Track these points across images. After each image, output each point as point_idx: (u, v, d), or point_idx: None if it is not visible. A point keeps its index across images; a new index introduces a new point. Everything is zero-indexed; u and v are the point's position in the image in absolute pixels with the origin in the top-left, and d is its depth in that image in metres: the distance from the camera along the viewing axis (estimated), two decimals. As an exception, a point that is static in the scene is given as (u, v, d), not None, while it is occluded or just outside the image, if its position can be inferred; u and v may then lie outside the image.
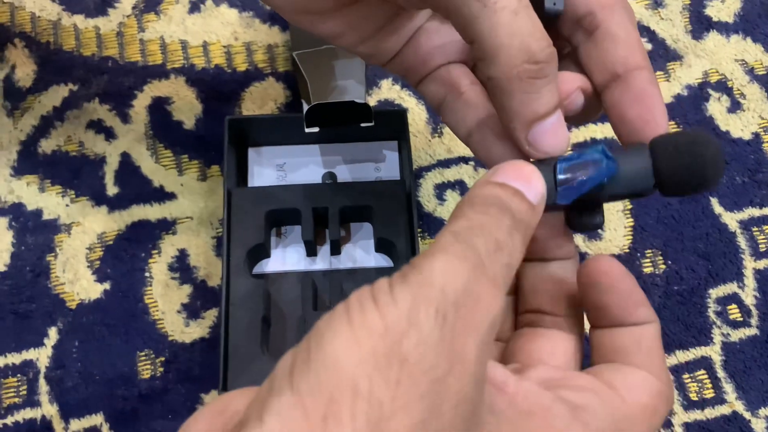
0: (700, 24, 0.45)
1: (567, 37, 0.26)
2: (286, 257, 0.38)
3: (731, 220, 0.40)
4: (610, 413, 0.21)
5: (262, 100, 0.43)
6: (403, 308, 0.17)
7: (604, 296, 0.23)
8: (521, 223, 0.20)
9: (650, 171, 0.23)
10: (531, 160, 0.24)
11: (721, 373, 0.37)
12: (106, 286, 0.38)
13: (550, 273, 0.25)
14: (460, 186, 0.41)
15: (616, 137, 0.26)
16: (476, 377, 0.18)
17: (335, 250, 0.38)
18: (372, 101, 0.43)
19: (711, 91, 0.43)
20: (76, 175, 0.41)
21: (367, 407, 0.16)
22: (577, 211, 0.24)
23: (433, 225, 0.40)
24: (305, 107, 0.37)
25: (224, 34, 0.44)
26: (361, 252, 0.38)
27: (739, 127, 0.43)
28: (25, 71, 0.43)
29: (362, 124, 0.37)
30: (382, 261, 0.38)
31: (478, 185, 0.21)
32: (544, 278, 0.25)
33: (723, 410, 0.36)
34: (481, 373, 0.18)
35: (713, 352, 0.38)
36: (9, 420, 0.36)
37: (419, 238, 0.37)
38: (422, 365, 0.17)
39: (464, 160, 0.41)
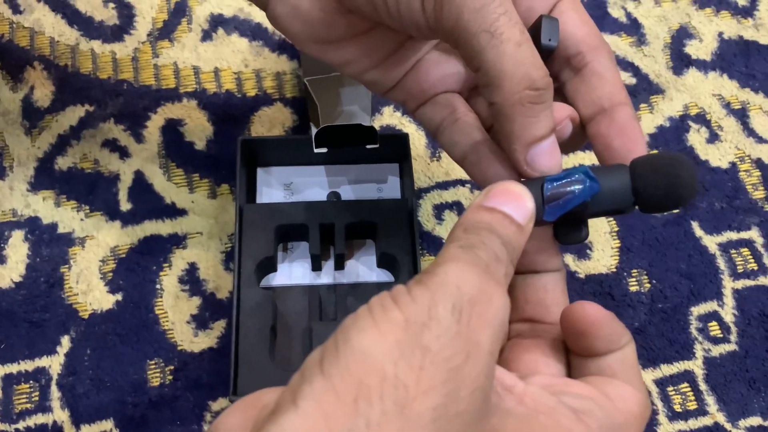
0: (681, 61, 0.48)
1: (555, 73, 0.29)
2: (292, 271, 0.40)
3: (711, 242, 0.43)
4: (609, 419, 0.23)
5: (270, 123, 0.45)
6: (422, 304, 0.19)
7: (591, 341, 0.24)
8: (509, 244, 0.22)
9: (629, 190, 0.25)
10: (522, 180, 0.26)
11: (703, 386, 0.39)
12: (118, 297, 0.40)
13: (540, 284, 0.27)
14: (457, 207, 0.43)
15: (597, 163, 0.28)
16: (489, 368, 0.20)
17: (339, 265, 0.40)
18: (374, 126, 0.45)
19: (691, 123, 0.46)
20: (91, 191, 0.42)
21: (393, 390, 0.18)
22: (564, 226, 0.26)
23: (432, 243, 0.42)
24: (313, 130, 0.39)
25: (235, 61, 0.47)
26: (363, 268, 0.40)
27: (717, 156, 0.46)
28: (43, 92, 0.45)
29: (368, 146, 0.39)
30: (384, 276, 0.40)
31: (470, 210, 0.23)
32: (535, 289, 0.27)
33: (705, 421, 0.38)
34: (493, 365, 0.20)
35: (695, 366, 0.40)
36: (21, 425, 0.37)
37: (420, 255, 0.39)
38: (443, 354, 0.19)
39: (461, 182, 0.44)
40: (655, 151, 0.45)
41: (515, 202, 0.23)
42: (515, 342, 0.27)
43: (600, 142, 0.28)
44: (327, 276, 0.40)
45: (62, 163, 0.43)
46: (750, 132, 0.46)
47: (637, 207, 0.25)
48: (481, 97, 0.30)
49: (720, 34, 0.50)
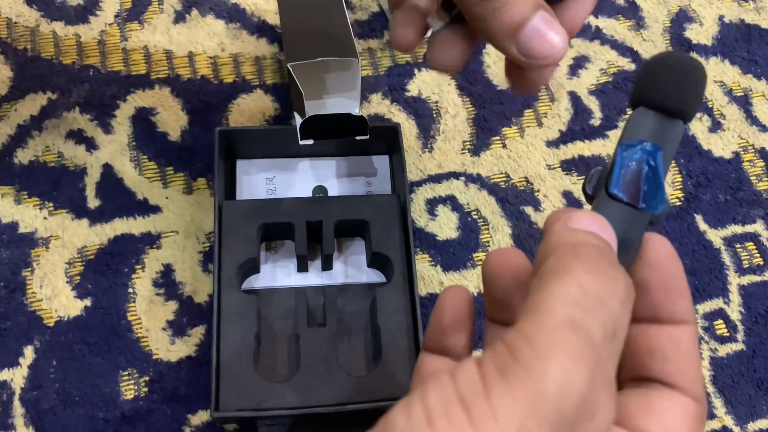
0: (681, 46, 0.46)
1: None
2: (276, 273, 0.37)
3: (715, 237, 0.41)
4: None
5: (249, 112, 0.42)
6: (507, 429, 0.14)
7: (647, 272, 0.20)
8: (631, 289, 0.18)
9: (666, 120, 0.21)
10: (585, 191, 0.22)
11: (710, 388, 0.37)
12: (87, 302, 0.37)
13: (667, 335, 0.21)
14: (451, 201, 0.41)
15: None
16: None
17: (327, 266, 0.37)
18: (364, 116, 0.42)
19: (692, 111, 0.44)
20: (55, 186, 0.39)
21: None
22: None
23: (425, 240, 0.40)
24: (298, 120, 0.36)
25: (210, 45, 0.44)
26: (352, 267, 0.38)
27: (720, 146, 0.44)
28: (0, 78, 0.41)
29: (357, 138, 0.37)
30: (375, 277, 0.37)
31: (569, 232, 0.18)
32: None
33: (713, 425, 0.37)
34: None
35: (702, 367, 0.38)
36: (-20, 445, 0.34)
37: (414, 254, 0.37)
38: None
39: (455, 175, 0.41)
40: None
41: (607, 230, 0.19)
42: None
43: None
44: (314, 277, 0.37)
45: (22, 156, 0.40)
46: (753, 120, 0.45)
47: (682, 122, 0.22)
48: None
49: (721, 17, 0.48)
